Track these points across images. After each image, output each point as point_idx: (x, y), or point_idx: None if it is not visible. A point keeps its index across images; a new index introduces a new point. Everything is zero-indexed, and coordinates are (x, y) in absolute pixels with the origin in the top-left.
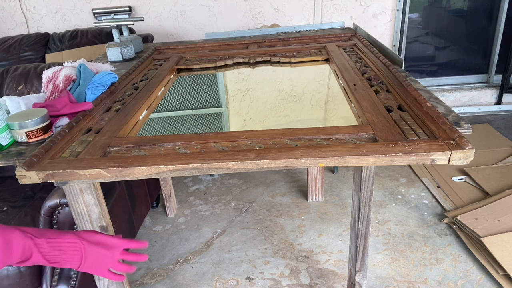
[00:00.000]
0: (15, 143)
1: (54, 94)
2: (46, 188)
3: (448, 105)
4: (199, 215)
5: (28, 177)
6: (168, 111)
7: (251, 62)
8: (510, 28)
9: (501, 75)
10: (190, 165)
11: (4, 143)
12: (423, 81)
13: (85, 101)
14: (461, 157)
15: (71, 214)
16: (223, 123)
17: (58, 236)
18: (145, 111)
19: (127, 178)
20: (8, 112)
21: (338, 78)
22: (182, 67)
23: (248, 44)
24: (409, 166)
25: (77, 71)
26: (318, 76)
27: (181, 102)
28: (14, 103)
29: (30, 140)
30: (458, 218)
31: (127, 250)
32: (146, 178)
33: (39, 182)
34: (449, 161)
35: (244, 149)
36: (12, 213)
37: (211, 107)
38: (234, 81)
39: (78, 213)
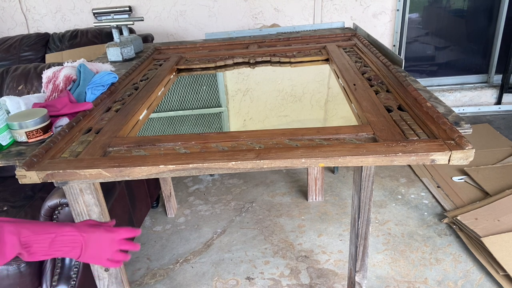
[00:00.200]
0: (15, 143)
1: (54, 94)
2: (46, 188)
3: (448, 105)
4: (199, 215)
5: (28, 177)
6: (168, 111)
7: (251, 62)
8: (510, 28)
9: (501, 75)
10: (190, 165)
11: (4, 143)
12: (423, 81)
13: (85, 101)
14: (461, 157)
15: (71, 214)
16: (223, 123)
17: (56, 229)
18: (145, 111)
19: (127, 178)
20: (8, 112)
21: (338, 78)
22: (182, 67)
23: (248, 44)
24: (409, 166)
25: (77, 71)
26: (318, 76)
27: (181, 102)
28: (14, 103)
29: (30, 140)
30: (458, 218)
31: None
32: (146, 178)
33: (39, 182)
34: (449, 161)
35: (244, 149)
36: (12, 213)
37: (211, 107)
38: (234, 81)
39: (78, 213)
